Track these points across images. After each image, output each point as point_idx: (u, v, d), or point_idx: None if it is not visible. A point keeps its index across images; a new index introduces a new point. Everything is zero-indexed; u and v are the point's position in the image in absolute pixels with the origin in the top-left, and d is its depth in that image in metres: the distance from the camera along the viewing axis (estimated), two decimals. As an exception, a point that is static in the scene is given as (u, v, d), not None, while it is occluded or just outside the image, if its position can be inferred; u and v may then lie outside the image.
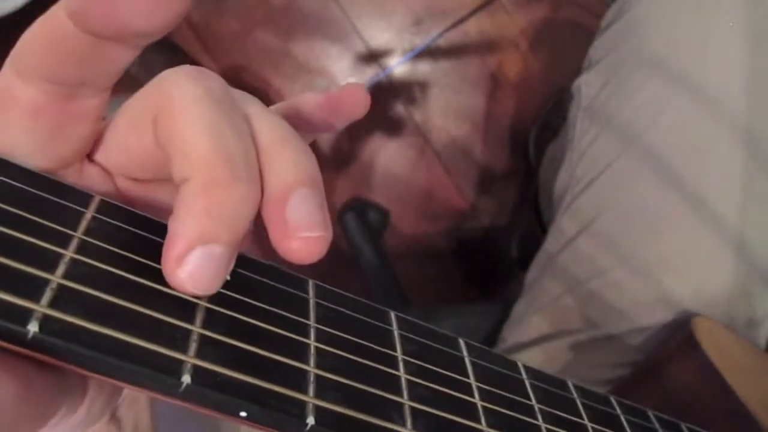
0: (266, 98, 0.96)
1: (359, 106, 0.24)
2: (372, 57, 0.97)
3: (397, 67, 0.97)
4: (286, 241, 0.17)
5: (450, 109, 0.98)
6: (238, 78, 0.96)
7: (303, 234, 0.17)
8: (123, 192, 0.21)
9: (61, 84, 0.18)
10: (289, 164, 0.18)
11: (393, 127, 0.98)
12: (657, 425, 0.26)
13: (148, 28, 0.16)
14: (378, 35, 0.97)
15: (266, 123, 0.19)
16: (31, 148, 0.19)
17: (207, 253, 0.16)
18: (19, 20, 0.65)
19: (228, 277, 0.17)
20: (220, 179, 0.16)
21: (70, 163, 0.20)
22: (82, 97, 0.18)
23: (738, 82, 0.48)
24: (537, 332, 0.56)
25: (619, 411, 0.25)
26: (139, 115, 0.18)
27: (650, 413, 0.26)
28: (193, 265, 0.16)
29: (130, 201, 0.21)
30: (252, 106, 0.20)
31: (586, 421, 0.23)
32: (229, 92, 0.19)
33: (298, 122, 0.25)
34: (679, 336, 0.46)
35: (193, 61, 0.95)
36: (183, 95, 0.17)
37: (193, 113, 0.17)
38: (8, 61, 0.18)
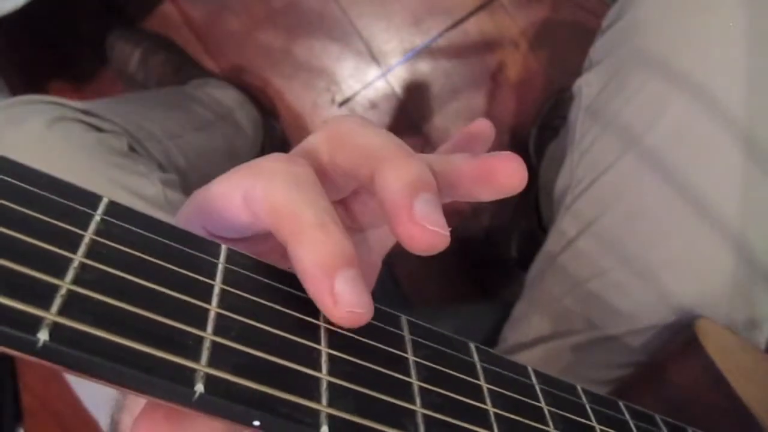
0: (266, 98, 0.95)
1: (515, 177, 0.21)
2: (372, 57, 0.97)
3: (397, 67, 0.97)
4: (409, 226, 0.18)
5: (450, 109, 0.98)
6: (238, 78, 0.95)
7: (428, 226, 0.18)
8: None
9: None
10: (411, 169, 0.19)
11: (393, 127, 0.97)
12: (665, 430, 0.26)
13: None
14: (378, 35, 0.97)
15: (377, 135, 0.21)
16: None
17: (347, 278, 0.18)
18: (20, 20, 0.65)
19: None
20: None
21: None
22: None
23: (738, 82, 0.48)
24: (537, 332, 0.56)
25: (627, 415, 0.25)
26: (229, 191, 0.20)
27: (658, 418, 0.26)
28: (343, 291, 0.17)
29: None
30: (363, 127, 0.22)
31: (595, 425, 0.23)
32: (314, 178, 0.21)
33: (441, 184, 0.22)
34: (681, 338, 0.46)
35: (193, 61, 0.95)
36: (274, 171, 0.20)
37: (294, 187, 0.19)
38: None
